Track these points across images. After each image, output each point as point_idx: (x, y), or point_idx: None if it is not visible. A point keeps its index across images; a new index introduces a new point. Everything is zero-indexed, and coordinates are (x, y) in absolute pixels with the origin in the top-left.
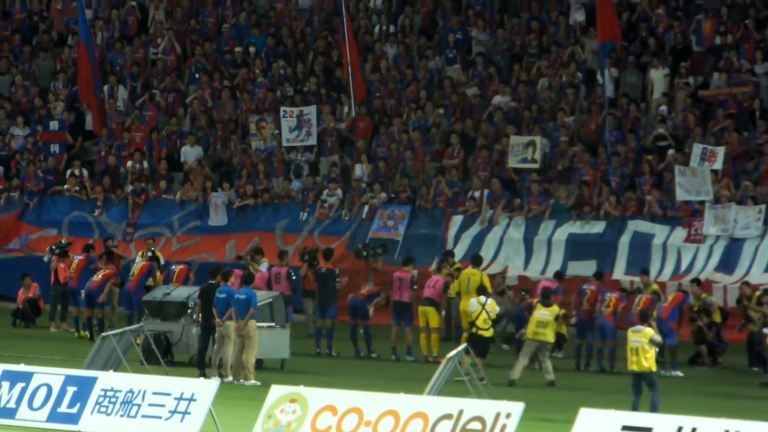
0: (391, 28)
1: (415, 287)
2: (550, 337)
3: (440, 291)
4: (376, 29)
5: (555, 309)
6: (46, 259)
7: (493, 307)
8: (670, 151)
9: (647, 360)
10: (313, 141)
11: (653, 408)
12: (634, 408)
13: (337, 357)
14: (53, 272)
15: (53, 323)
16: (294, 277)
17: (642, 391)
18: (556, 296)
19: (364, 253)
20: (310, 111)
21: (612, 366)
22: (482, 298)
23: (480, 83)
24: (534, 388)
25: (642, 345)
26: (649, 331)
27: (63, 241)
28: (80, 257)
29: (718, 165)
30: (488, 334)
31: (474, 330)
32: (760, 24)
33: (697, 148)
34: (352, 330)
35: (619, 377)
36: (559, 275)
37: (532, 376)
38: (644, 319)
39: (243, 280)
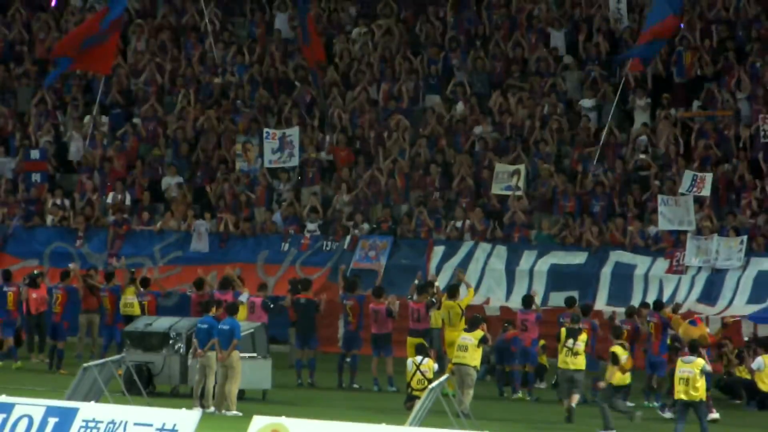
0: (372, 58)
1: (393, 316)
2: (470, 360)
3: (426, 318)
4: (355, 54)
5: (478, 334)
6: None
7: (429, 366)
8: (656, 182)
9: (697, 390)
10: (295, 162)
11: None
12: None
13: (318, 387)
14: (24, 303)
15: (33, 354)
16: (272, 306)
17: (686, 420)
18: (538, 322)
19: (343, 284)
20: (293, 133)
21: (595, 395)
22: (418, 358)
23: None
24: (516, 419)
25: (694, 375)
26: (701, 361)
27: (35, 272)
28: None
29: (706, 192)
30: (423, 394)
31: (409, 391)
32: (740, 56)
33: (687, 175)
34: (341, 360)
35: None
36: (526, 301)
37: (513, 407)
38: (694, 349)
39: (227, 310)
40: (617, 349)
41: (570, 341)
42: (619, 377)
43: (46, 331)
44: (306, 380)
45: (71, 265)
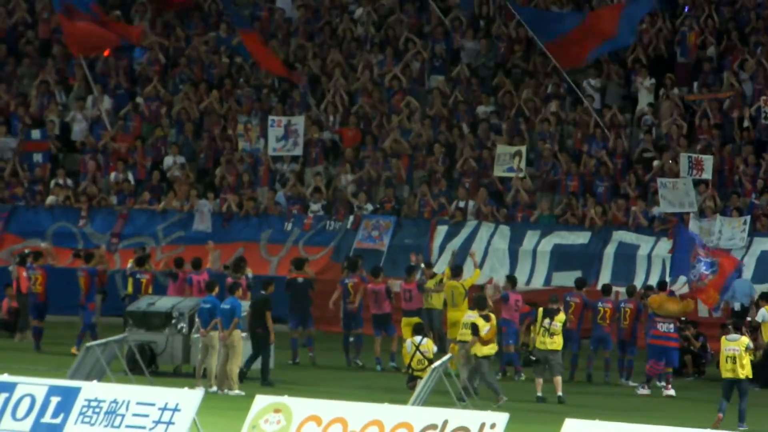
0: (376, 38)
1: (391, 297)
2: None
3: (418, 297)
4: (360, 33)
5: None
6: (10, 268)
7: (428, 347)
8: (655, 162)
9: (744, 367)
10: (299, 151)
11: (742, 414)
12: (721, 411)
13: (319, 366)
14: (15, 281)
15: (24, 333)
16: (253, 285)
17: (731, 398)
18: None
19: (345, 264)
20: (298, 121)
21: (607, 376)
22: (417, 339)
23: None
24: (519, 398)
25: (740, 353)
26: (745, 339)
27: (26, 251)
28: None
29: (707, 175)
30: (425, 374)
31: (410, 372)
32: (744, 37)
33: (683, 159)
34: (345, 339)
35: (608, 387)
36: (512, 281)
37: (517, 387)
38: (738, 327)
39: (228, 289)
40: (478, 320)
41: (547, 321)
42: (484, 348)
43: (28, 310)
44: (306, 359)
45: (42, 245)
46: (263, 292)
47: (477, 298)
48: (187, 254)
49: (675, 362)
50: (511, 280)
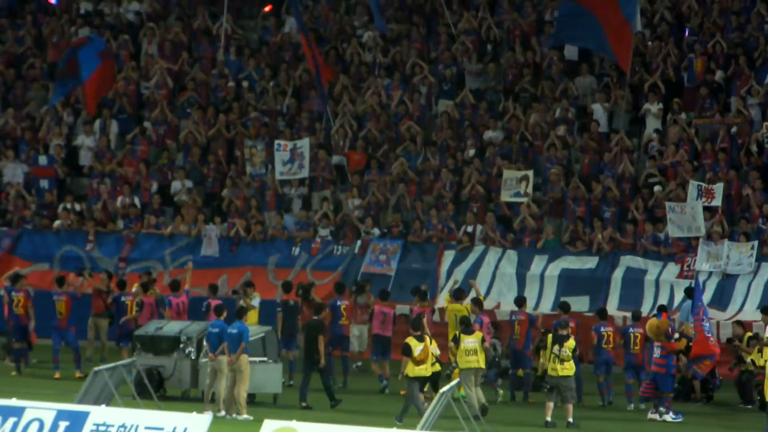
0: (384, 62)
1: (396, 321)
2: (481, 362)
3: (429, 321)
4: (368, 58)
5: (478, 335)
6: (1, 292)
7: (434, 345)
8: (656, 188)
9: None
10: (305, 173)
11: None
12: None
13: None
14: (6, 306)
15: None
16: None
17: None
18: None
19: (354, 288)
20: (303, 144)
21: (610, 397)
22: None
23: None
24: (529, 423)
25: None
26: None
27: (10, 274)
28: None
29: (717, 202)
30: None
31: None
32: (751, 62)
33: (692, 186)
34: (344, 362)
35: (618, 412)
36: (478, 304)
37: (525, 411)
38: None
39: (235, 314)
40: (411, 340)
41: (556, 348)
42: (416, 369)
43: (9, 332)
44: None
45: (17, 269)
46: (315, 317)
47: (412, 320)
48: (195, 278)
49: (663, 387)
50: (478, 303)
